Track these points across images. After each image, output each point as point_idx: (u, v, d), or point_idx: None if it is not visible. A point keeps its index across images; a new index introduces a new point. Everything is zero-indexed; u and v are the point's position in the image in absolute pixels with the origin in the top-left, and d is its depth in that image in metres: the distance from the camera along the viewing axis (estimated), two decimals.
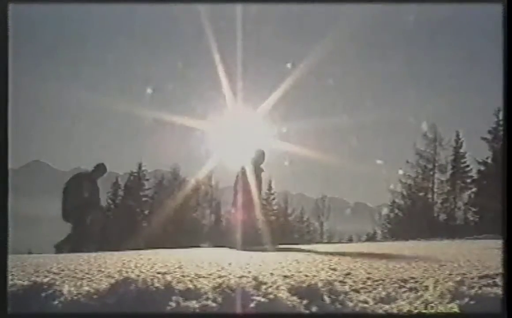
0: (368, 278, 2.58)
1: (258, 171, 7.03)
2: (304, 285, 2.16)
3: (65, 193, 7.66)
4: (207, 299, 2.01)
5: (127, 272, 2.78)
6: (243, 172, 6.86)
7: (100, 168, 7.92)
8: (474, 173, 26.27)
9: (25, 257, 4.42)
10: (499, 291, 2.17)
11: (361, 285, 2.42)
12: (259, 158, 7.17)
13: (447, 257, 3.43)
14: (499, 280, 2.41)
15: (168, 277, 2.31)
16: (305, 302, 2.01)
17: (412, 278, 2.58)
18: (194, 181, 29.62)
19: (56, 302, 2.01)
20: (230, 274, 2.67)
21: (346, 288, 2.28)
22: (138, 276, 2.27)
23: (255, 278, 2.24)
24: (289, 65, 15.59)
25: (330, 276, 2.62)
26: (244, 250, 5.07)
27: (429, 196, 27.54)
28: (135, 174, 31.33)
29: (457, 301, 2.07)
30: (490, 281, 2.43)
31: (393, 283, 2.47)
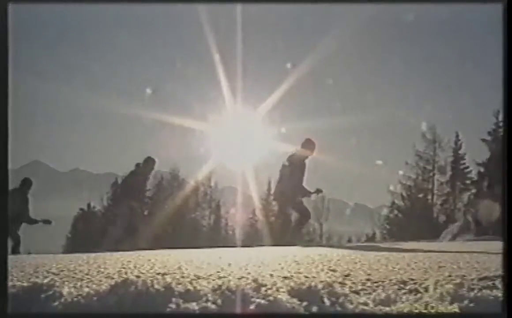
0: (368, 280, 2.57)
1: None
2: (304, 286, 2.16)
3: None
4: (207, 300, 2.01)
5: (126, 273, 2.78)
6: None
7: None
8: (473, 174, 26.31)
9: (24, 257, 4.42)
10: (498, 293, 2.17)
11: (360, 287, 2.42)
12: None
13: (447, 258, 3.43)
14: (498, 282, 2.41)
15: (168, 278, 2.31)
16: (305, 303, 2.00)
17: (412, 279, 2.57)
18: (193, 182, 29.60)
19: (56, 303, 2.01)
20: (229, 275, 2.67)
21: (346, 289, 2.28)
22: (138, 277, 2.27)
23: (254, 280, 2.24)
24: (288, 65, 15.63)
25: (329, 278, 2.62)
26: None
27: (429, 197, 27.56)
28: None
29: (457, 303, 2.07)
30: (490, 283, 2.43)
31: (392, 285, 2.46)
